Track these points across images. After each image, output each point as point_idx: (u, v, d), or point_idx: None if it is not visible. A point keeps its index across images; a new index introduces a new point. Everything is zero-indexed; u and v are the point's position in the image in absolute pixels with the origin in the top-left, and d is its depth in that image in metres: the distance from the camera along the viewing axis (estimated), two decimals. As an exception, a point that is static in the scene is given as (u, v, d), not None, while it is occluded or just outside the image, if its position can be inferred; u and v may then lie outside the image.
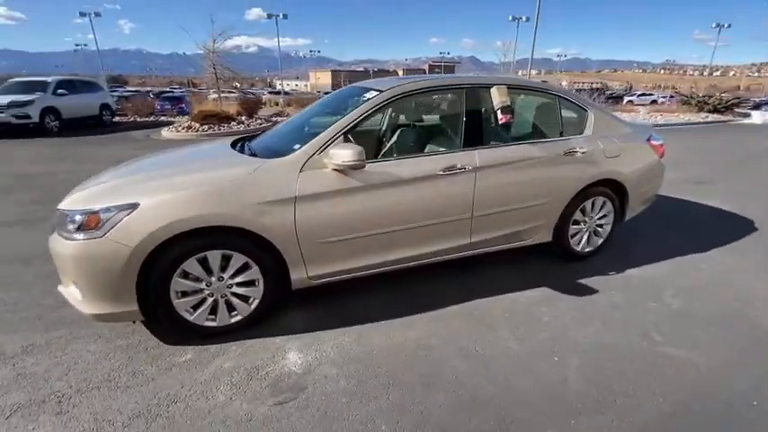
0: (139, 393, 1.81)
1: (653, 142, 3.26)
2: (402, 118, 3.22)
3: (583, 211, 3.02)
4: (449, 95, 2.77)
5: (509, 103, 2.59)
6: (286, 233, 2.13)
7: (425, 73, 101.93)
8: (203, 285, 2.09)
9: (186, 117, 13.24)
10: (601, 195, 3.02)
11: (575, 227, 3.04)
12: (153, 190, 1.99)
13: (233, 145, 2.72)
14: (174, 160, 2.62)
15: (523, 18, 33.03)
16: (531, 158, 2.68)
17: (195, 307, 2.12)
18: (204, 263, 2.05)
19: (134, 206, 1.90)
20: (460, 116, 2.56)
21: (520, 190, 2.69)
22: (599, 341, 2.21)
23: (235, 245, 2.08)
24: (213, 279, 2.10)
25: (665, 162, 3.40)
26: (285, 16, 31.14)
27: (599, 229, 3.17)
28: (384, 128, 3.27)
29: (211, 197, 2.00)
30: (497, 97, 2.58)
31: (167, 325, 2.12)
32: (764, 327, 2.35)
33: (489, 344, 2.18)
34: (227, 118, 11.91)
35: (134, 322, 2.27)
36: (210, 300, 2.14)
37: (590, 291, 2.74)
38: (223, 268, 2.10)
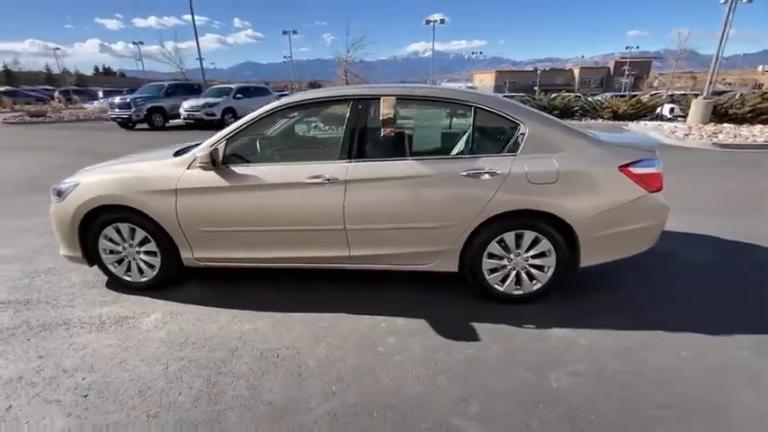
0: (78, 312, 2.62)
1: (636, 170, 2.40)
2: (301, 127, 3.22)
3: (503, 245, 2.51)
4: (342, 107, 2.70)
5: (391, 116, 2.42)
6: (170, 218, 2.62)
7: (610, 71, 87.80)
8: (120, 248, 2.79)
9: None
10: (529, 229, 2.46)
11: (492, 261, 2.56)
12: (91, 175, 2.77)
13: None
14: (140, 155, 3.30)
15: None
16: (417, 176, 2.42)
17: (117, 263, 2.84)
18: (119, 232, 2.74)
19: (77, 184, 2.71)
20: (343, 128, 2.54)
21: (402, 209, 2.47)
22: (392, 388, 1.93)
23: (137, 222, 2.69)
24: (126, 245, 2.77)
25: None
26: (443, 21, 32.05)
27: (534, 270, 2.56)
28: (275, 135, 3.16)
29: (118, 183, 2.66)
30: (381, 109, 2.44)
31: (105, 273, 2.91)
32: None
33: (294, 355, 2.19)
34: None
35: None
36: (126, 261, 2.83)
37: (468, 336, 2.32)
38: (133, 238, 2.75)
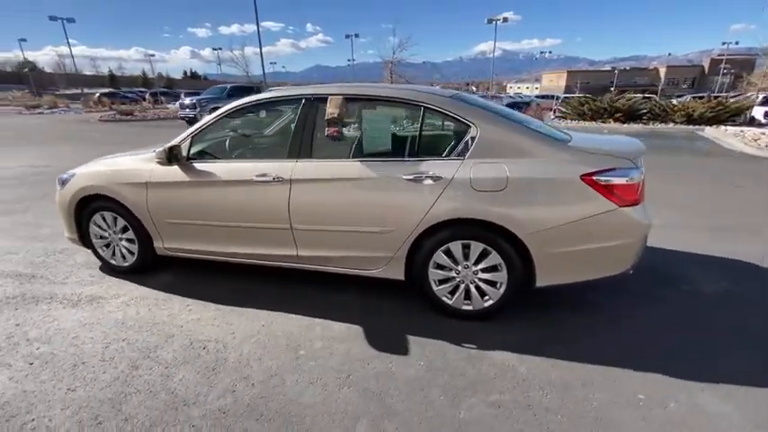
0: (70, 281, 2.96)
1: (602, 179, 2.07)
2: (259, 125, 3.19)
3: (451, 256, 2.33)
4: (295, 106, 2.66)
5: (336, 116, 2.36)
6: (142, 209, 2.83)
7: (704, 70, 77.76)
8: (107, 234, 3.07)
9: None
10: (477, 240, 2.25)
11: (440, 272, 2.38)
12: (85, 168, 3.07)
13: None
14: (133, 151, 3.56)
15: None
16: (360, 178, 2.34)
17: (105, 247, 3.13)
18: (104, 219, 3.01)
19: (74, 175, 3.03)
20: (293, 127, 2.53)
21: (346, 211, 2.40)
22: (292, 394, 1.87)
23: (117, 211, 2.93)
24: (110, 232, 3.04)
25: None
26: (506, 20, 30.74)
27: (484, 286, 2.34)
28: (236, 134, 3.15)
29: (102, 175, 2.92)
30: (327, 109, 2.39)
31: (96, 256, 3.22)
32: None
33: (219, 348, 2.23)
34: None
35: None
36: (111, 246, 3.10)
37: (398, 349, 2.19)
38: (116, 225, 3.01)
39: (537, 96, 36.52)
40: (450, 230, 2.27)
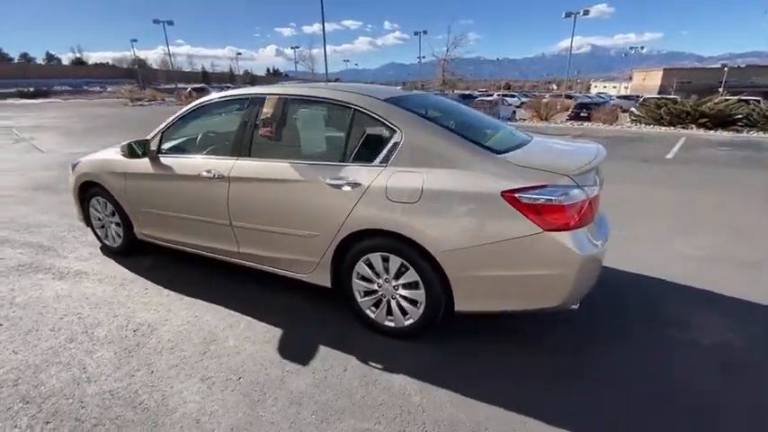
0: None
1: (526, 198, 1.78)
2: (215, 123, 3.17)
3: (372, 268, 2.20)
4: (241, 106, 2.66)
5: (269, 116, 2.35)
6: (121, 196, 3.10)
7: None
8: (101, 217, 3.42)
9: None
10: (394, 254, 2.09)
11: (363, 283, 2.27)
12: (86, 157, 3.44)
13: None
14: None
15: None
16: (288, 180, 2.31)
17: (101, 228, 3.49)
18: (99, 203, 3.36)
19: (78, 163, 3.43)
20: (239, 126, 2.57)
21: (276, 212, 2.39)
22: (147, 383, 1.91)
23: (105, 196, 3.25)
24: (103, 215, 3.38)
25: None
26: (586, 12, 28.12)
27: (404, 303, 2.17)
28: (197, 131, 3.14)
29: (95, 164, 3.26)
30: (263, 109, 2.39)
31: (95, 236, 3.61)
32: None
33: (138, 335, 2.36)
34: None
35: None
36: (105, 228, 3.44)
37: (300, 358, 2.13)
38: (106, 209, 3.34)
39: (619, 97, 33.04)
40: (370, 241, 2.15)
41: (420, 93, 2.77)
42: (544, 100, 28.02)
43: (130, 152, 2.79)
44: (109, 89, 49.33)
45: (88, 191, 3.38)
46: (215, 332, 2.38)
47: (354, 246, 2.21)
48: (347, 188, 2.13)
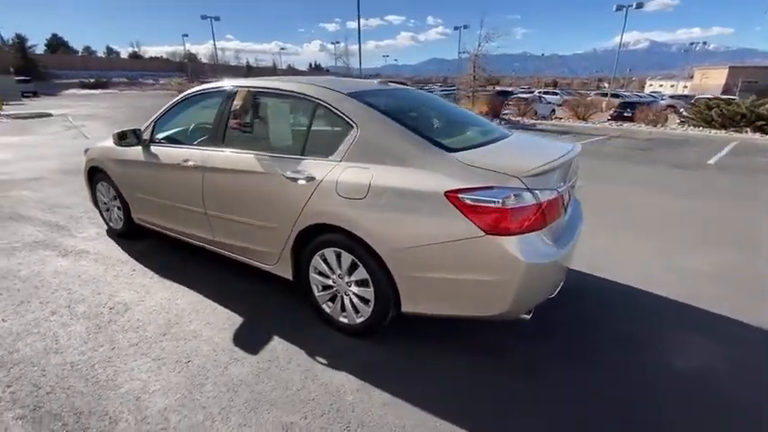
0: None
1: (469, 198, 1.70)
2: (203, 115, 3.16)
3: (327, 263, 2.19)
4: (219, 98, 2.70)
5: (239, 108, 2.39)
6: (120, 182, 3.30)
7: None
8: (106, 201, 3.65)
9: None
10: (346, 250, 2.07)
11: (320, 278, 2.27)
12: (96, 145, 3.67)
13: None
14: None
15: None
16: (252, 171, 2.34)
17: (106, 211, 3.72)
18: (103, 187, 3.59)
19: (88, 148, 3.67)
20: (214, 117, 2.64)
21: (241, 202, 2.45)
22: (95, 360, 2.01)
23: (108, 181, 3.47)
24: (107, 199, 3.61)
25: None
26: (639, 6, 26.25)
27: (356, 300, 2.15)
28: (184, 122, 3.21)
29: (100, 150, 3.47)
30: (234, 101, 2.44)
31: (101, 218, 3.86)
32: None
33: (107, 314, 2.51)
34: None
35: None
36: (110, 210, 3.67)
37: (251, 348, 2.17)
38: (110, 193, 3.56)
39: (673, 96, 30.69)
40: (324, 236, 2.15)
41: (396, 87, 2.71)
42: (589, 98, 26.55)
43: (119, 139, 2.95)
44: (161, 81, 52.44)
45: (95, 175, 3.63)
46: (181, 315, 2.48)
47: (311, 240, 2.22)
48: (302, 182, 2.13)
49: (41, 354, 2.12)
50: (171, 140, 3.07)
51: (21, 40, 42.19)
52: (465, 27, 39.05)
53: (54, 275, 2.97)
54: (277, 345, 2.21)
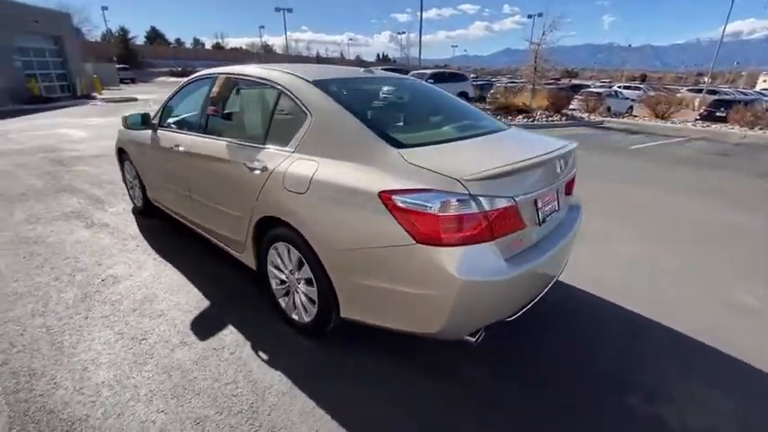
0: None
1: (402, 201, 1.50)
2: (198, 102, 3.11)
3: (281, 257, 2.13)
4: (207, 85, 2.71)
5: (216, 95, 2.39)
6: (137, 162, 3.54)
7: None
8: (130, 179, 3.95)
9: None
10: (293, 245, 1.99)
11: (276, 271, 2.22)
12: (120, 132, 3.96)
13: None
14: None
15: None
16: (220, 159, 2.35)
17: (131, 189, 4.03)
18: (128, 166, 3.88)
19: (115, 135, 4.00)
20: (201, 104, 2.68)
21: (212, 188, 2.48)
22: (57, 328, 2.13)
23: (129, 161, 3.74)
24: (131, 177, 3.90)
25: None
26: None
27: (305, 299, 2.07)
28: (186, 108, 3.16)
29: (123, 134, 3.75)
30: (214, 87, 2.44)
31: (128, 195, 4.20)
32: None
33: (95, 283, 2.69)
34: (518, 111, 12.00)
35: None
36: (134, 189, 3.97)
37: (203, 334, 2.19)
38: (133, 176, 3.84)
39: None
40: (276, 230, 2.08)
41: (381, 76, 2.53)
42: (678, 94, 23.34)
43: (124, 122, 3.14)
44: (238, 71, 56.21)
45: (122, 155, 3.94)
46: (157, 294, 2.60)
47: (268, 232, 2.17)
48: (257, 172, 2.08)
49: (27, 315, 2.34)
50: (171, 126, 3.21)
51: (124, 33, 47.79)
52: (539, 15, 36.47)
53: (73, 244, 3.28)
54: (228, 333, 2.21)
